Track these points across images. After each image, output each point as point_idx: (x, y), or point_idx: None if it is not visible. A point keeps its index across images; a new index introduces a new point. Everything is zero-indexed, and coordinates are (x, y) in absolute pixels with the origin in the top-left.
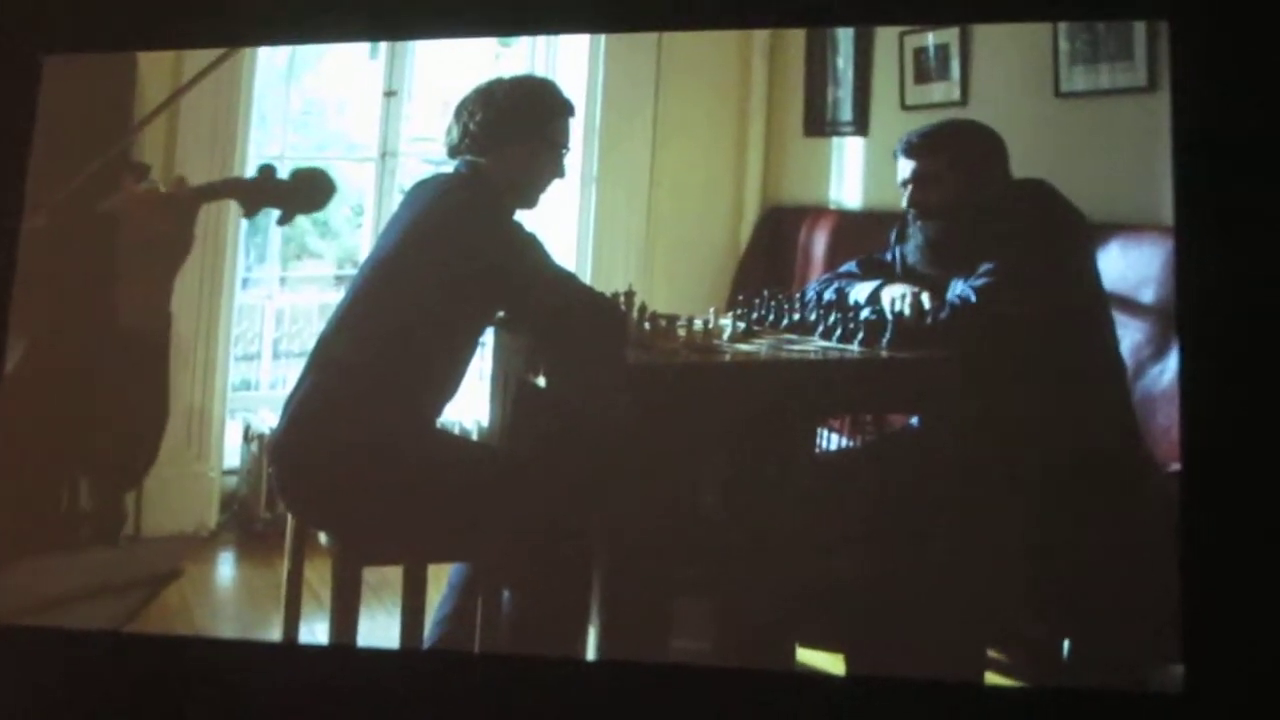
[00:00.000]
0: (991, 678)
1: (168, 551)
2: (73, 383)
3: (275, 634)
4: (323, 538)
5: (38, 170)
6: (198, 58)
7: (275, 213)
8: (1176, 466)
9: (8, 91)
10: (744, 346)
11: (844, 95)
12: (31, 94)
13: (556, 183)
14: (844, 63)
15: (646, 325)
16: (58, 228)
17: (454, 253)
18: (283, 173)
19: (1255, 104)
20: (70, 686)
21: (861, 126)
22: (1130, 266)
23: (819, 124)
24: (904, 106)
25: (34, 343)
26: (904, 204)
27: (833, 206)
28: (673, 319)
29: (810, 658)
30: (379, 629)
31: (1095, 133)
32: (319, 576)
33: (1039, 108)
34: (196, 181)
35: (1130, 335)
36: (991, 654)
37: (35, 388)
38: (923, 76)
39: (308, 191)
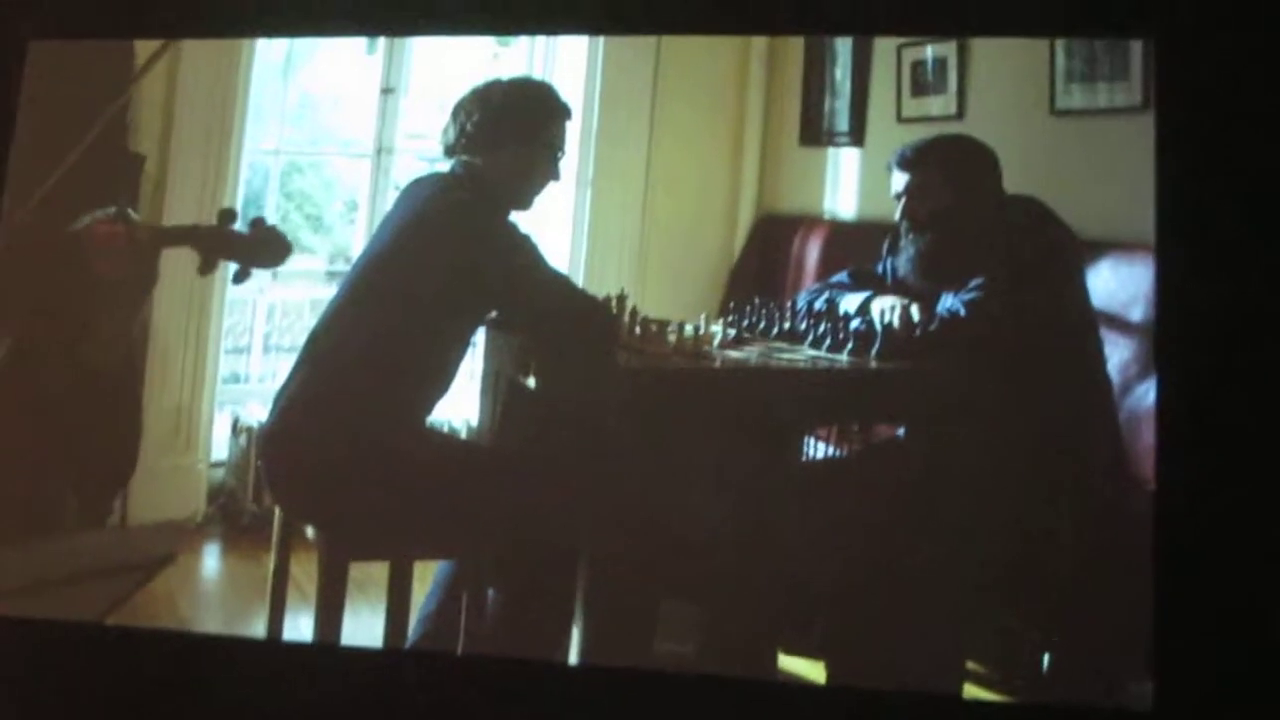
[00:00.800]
0: (971, 690)
1: (162, 536)
2: (49, 391)
3: (260, 627)
4: (310, 532)
5: (33, 160)
6: (195, 47)
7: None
8: None
9: None
10: (734, 353)
11: (841, 106)
12: (15, 79)
13: (552, 184)
14: (842, 73)
15: (637, 329)
16: (37, 231)
17: (447, 252)
18: (252, 215)
19: (1237, 124)
20: (51, 678)
21: (858, 137)
22: (1120, 285)
23: (815, 134)
24: (900, 119)
25: (16, 343)
26: (897, 216)
27: (826, 216)
28: (663, 324)
29: (792, 664)
30: (363, 625)
31: (1089, 151)
32: (304, 571)
33: (1034, 124)
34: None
35: (1118, 353)
36: (971, 665)
37: (18, 386)
38: (920, 89)
39: (266, 247)
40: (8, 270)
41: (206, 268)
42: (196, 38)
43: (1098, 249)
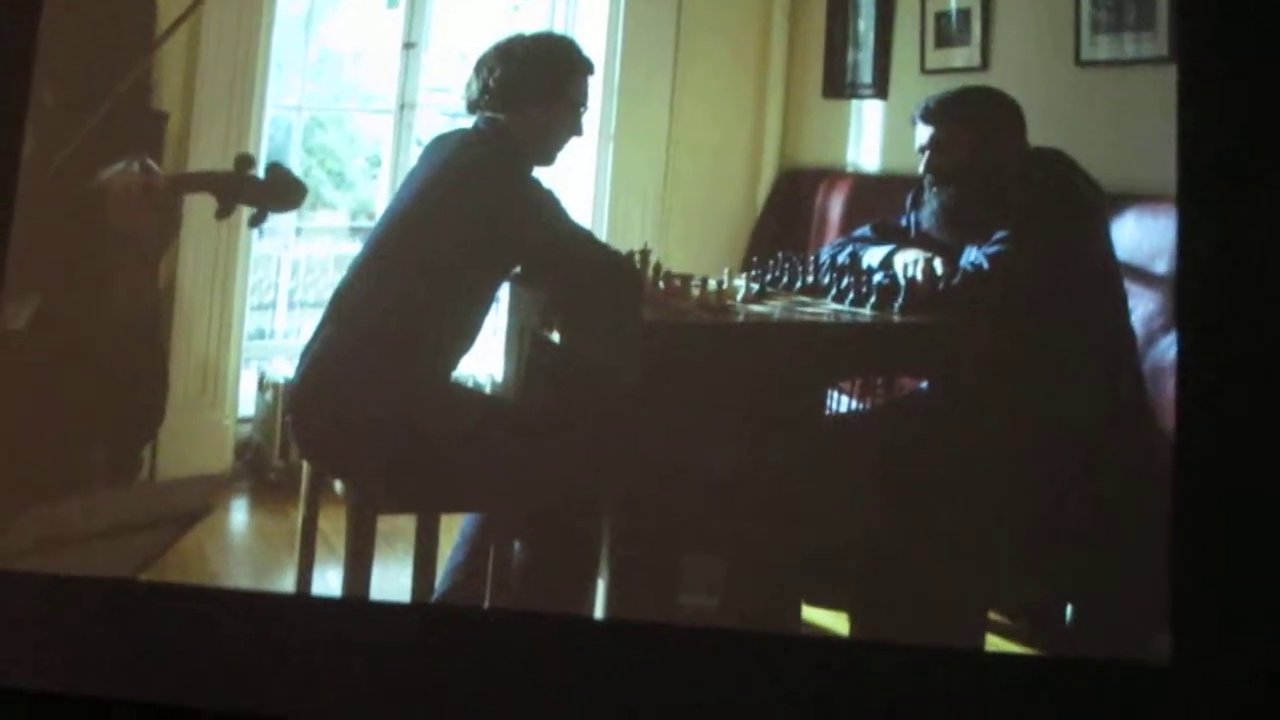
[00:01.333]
0: (995, 641)
1: (196, 490)
2: (77, 349)
3: (289, 580)
4: (338, 485)
5: (55, 115)
6: (218, 8)
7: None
8: None
9: (7, 23)
10: (757, 308)
11: (864, 58)
12: (32, 26)
13: (574, 140)
14: (865, 25)
15: (661, 284)
16: (60, 190)
17: (472, 208)
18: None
19: (1262, 72)
20: (80, 633)
21: (881, 90)
22: (1145, 238)
23: (838, 86)
24: (924, 70)
25: (43, 300)
26: (920, 170)
27: (850, 170)
28: (687, 278)
29: (816, 616)
30: (390, 577)
31: (1115, 102)
32: (332, 526)
33: (1059, 75)
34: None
35: (1143, 306)
36: (995, 617)
37: (47, 342)
38: (944, 41)
39: (282, 191)
40: (34, 229)
41: (223, 213)
42: None
43: (1122, 201)
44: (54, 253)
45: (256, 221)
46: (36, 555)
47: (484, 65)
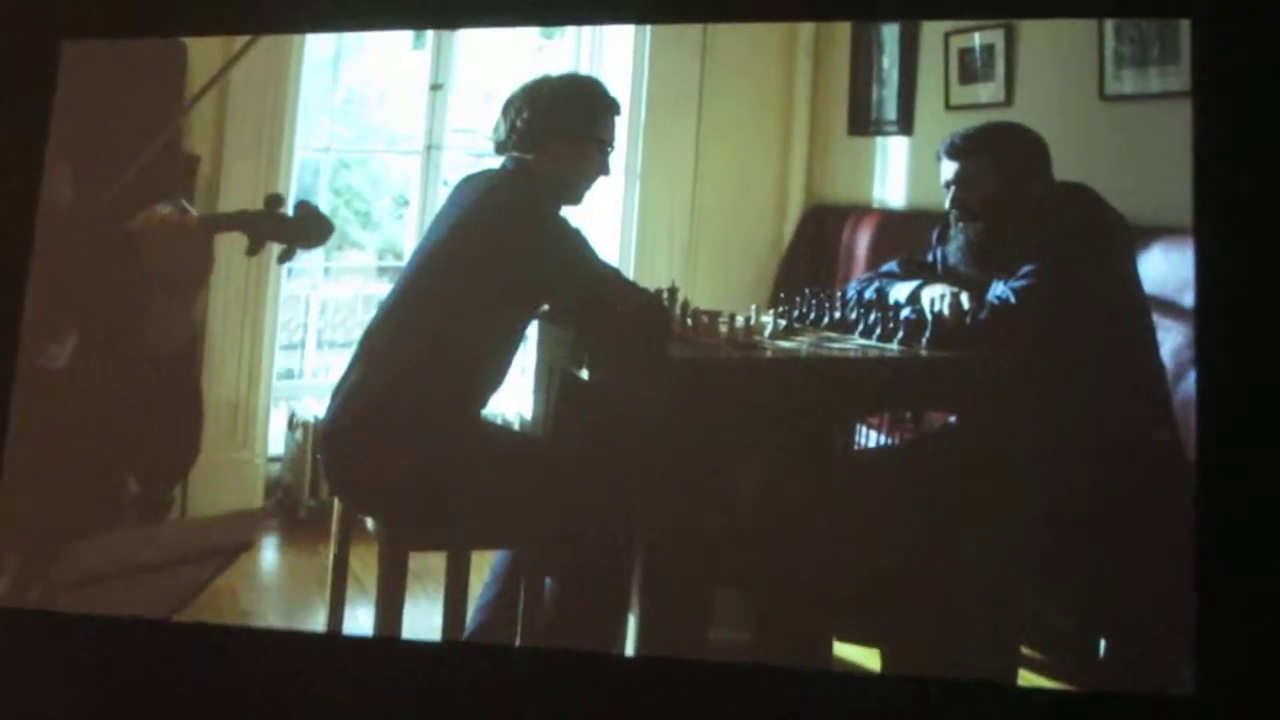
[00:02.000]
0: (1028, 676)
1: (237, 524)
2: (114, 386)
3: (320, 618)
4: (369, 523)
5: (92, 160)
6: (248, 52)
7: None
8: None
9: (24, 78)
10: (785, 344)
11: (889, 94)
12: (49, 80)
13: (602, 179)
14: (889, 62)
15: (689, 321)
16: (98, 230)
17: (501, 247)
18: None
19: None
20: (116, 672)
21: (906, 126)
22: (1172, 270)
23: (863, 123)
24: (949, 107)
25: (81, 339)
26: (947, 205)
27: (876, 206)
28: (714, 315)
29: (846, 651)
30: (421, 615)
31: (1139, 135)
32: (362, 564)
33: (1084, 109)
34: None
35: (1171, 339)
36: (1028, 652)
37: (86, 381)
38: (968, 77)
39: (309, 228)
40: (74, 272)
41: (254, 249)
42: (235, 34)
43: (1148, 235)
44: (92, 294)
45: (285, 257)
46: (87, 588)
47: (511, 106)
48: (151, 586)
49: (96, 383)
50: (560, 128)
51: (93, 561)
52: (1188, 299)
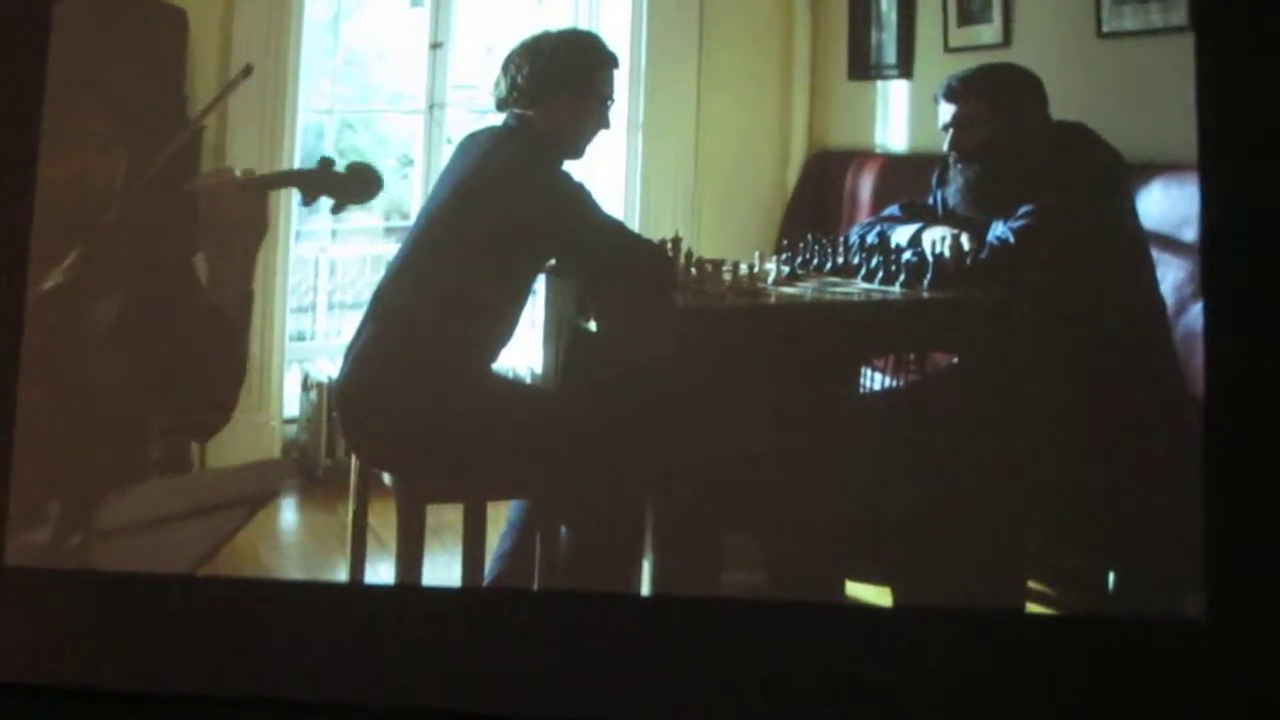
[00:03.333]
0: (1037, 609)
1: (262, 473)
2: (159, 344)
3: (340, 574)
4: (386, 478)
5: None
6: (248, 16)
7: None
8: None
9: (17, 42)
10: (788, 290)
11: (887, 38)
12: (42, 43)
13: (603, 133)
14: (887, 6)
15: (693, 270)
16: (144, 197)
17: (505, 204)
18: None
19: None
20: (139, 629)
21: (906, 70)
22: (1172, 206)
23: (863, 68)
24: (947, 49)
25: (128, 300)
26: (945, 148)
27: (879, 150)
28: (718, 264)
29: (859, 591)
30: (441, 569)
31: (1137, 72)
32: (381, 521)
33: (1082, 48)
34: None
35: (1172, 274)
36: (1038, 587)
37: (130, 338)
38: (966, 19)
39: (360, 185)
40: (118, 233)
41: (308, 200)
42: None
43: (1147, 171)
44: (141, 255)
45: (337, 210)
46: (122, 535)
47: (511, 63)
48: (182, 533)
49: (141, 339)
50: (559, 83)
51: (128, 510)
52: (1188, 235)
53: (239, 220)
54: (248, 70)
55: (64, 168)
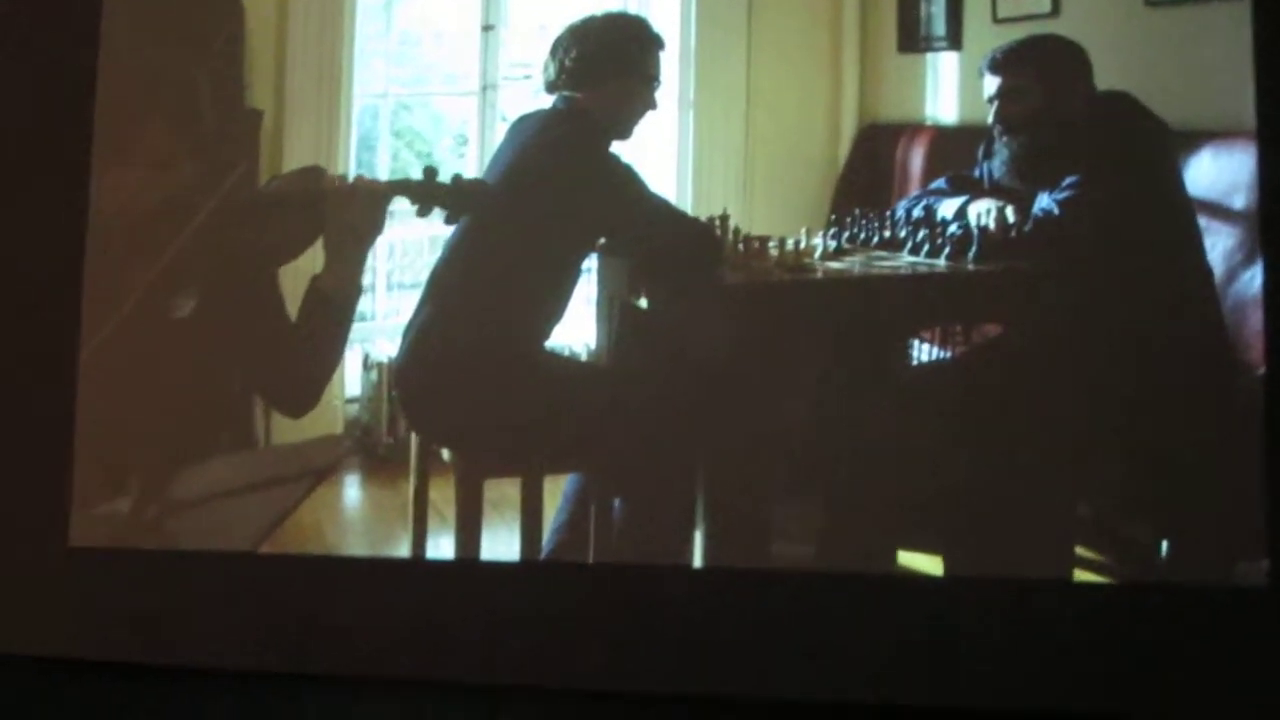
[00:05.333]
0: (1089, 577)
1: (324, 448)
2: (239, 335)
3: (402, 549)
4: (445, 454)
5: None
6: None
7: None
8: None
9: (68, 33)
10: (834, 264)
11: (937, 10)
12: (94, 29)
13: (653, 111)
14: None
15: (740, 246)
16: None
17: (555, 186)
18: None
19: None
20: (207, 606)
21: (955, 41)
22: (1221, 173)
23: (913, 39)
24: (996, 19)
25: (206, 296)
26: (990, 120)
27: (929, 123)
28: (764, 240)
29: (911, 560)
30: (500, 542)
31: (1186, 41)
32: (442, 496)
33: (1130, 16)
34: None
35: (1222, 242)
36: (1089, 554)
37: (208, 331)
38: None
39: (466, 195)
40: (198, 234)
41: (422, 212)
42: None
43: (1197, 139)
44: (218, 254)
45: (451, 220)
46: (195, 507)
47: (559, 46)
48: (250, 505)
49: (219, 332)
50: (607, 66)
51: (200, 483)
52: (1238, 202)
53: (363, 223)
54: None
55: (123, 181)
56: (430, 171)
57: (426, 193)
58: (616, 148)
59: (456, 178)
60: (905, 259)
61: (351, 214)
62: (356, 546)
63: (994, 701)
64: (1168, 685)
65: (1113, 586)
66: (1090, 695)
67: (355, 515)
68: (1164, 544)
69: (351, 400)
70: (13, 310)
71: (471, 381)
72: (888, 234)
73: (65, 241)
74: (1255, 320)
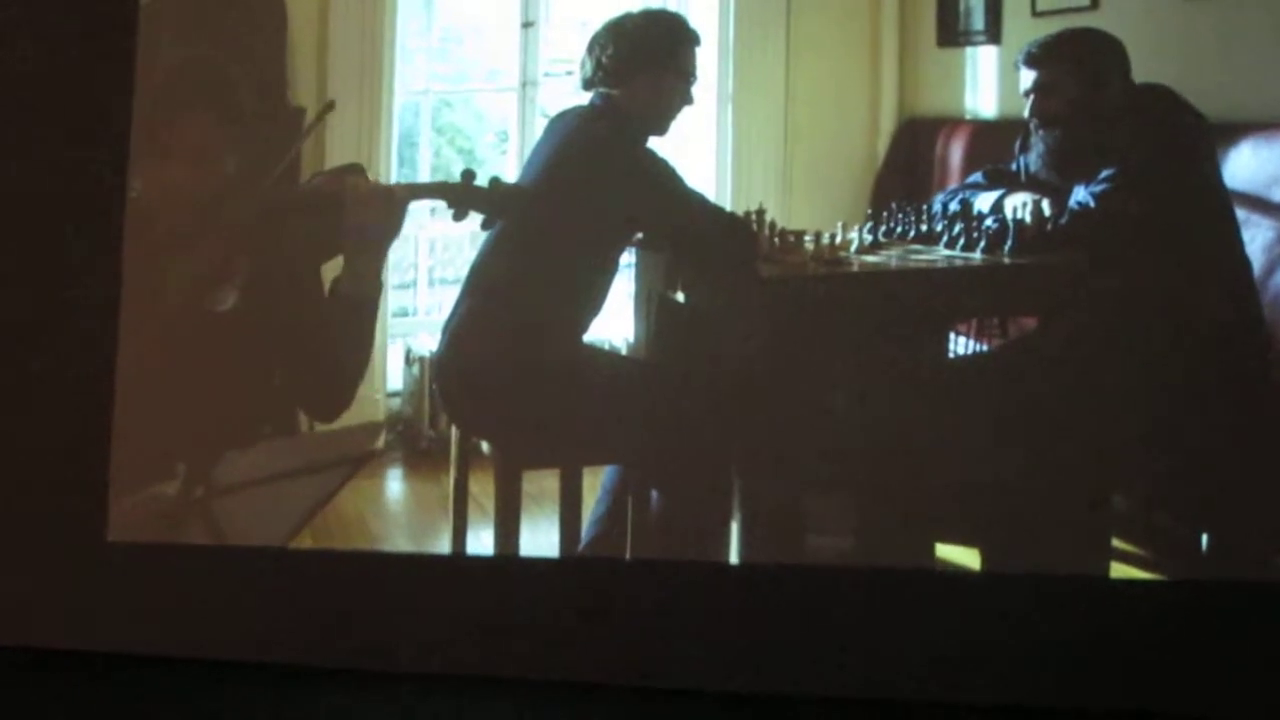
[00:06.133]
0: (1130, 571)
1: (362, 435)
2: (281, 327)
3: (443, 539)
4: (485, 447)
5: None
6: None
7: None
8: None
9: (104, 36)
10: (870, 258)
11: (975, 4)
12: (130, 37)
13: (691, 107)
14: None
15: (776, 241)
16: (268, 194)
17: (593, 182)
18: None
19: None
20: (242, 599)
21: (994, 35)
22: (1262, 166)
23: (952, 33)
24: (1035, 13)
25: (249, 288)
26: (1026, 114)
27: (968, 117)
28: (800, 234)
29: (946, 552)
30: (540, 534)
31: (1225, 33)
32: (482, 489)
33: (1169, 9)
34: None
35: (1262, 234)
36: (1130, 548)
37: (250, 322)
38: None
39: (503, 199)
40: (238, 229)
41: (459, 216)
42: None
43: (1236, 131)
44: (265, 247)
45: (487, 225)
46: (239, 492)
47: (596, 44)
48: (291, 489)
49: (260, 324)
50: (643, 62)
51: (244, 468)
52: (1278, 194)
53: (382, 224)
54: (330, 105)
55: (164, 175)
56: (468, 174)
57: (463, 196)
58: (654, 143)
59: (494, 181)
60: (941, 252)
61: (367, 216)
62: (399, 537)
63: (1030, 698)
64: (1219, 682)
65: (1160, 582)
66: (1141, 693)
67: (398, 507)
68: (1203, 537)
69: (393, 394)
70: (51, 304)
71: (510, 375)
72: (924, 228)
73: (104, 233)
74: None
